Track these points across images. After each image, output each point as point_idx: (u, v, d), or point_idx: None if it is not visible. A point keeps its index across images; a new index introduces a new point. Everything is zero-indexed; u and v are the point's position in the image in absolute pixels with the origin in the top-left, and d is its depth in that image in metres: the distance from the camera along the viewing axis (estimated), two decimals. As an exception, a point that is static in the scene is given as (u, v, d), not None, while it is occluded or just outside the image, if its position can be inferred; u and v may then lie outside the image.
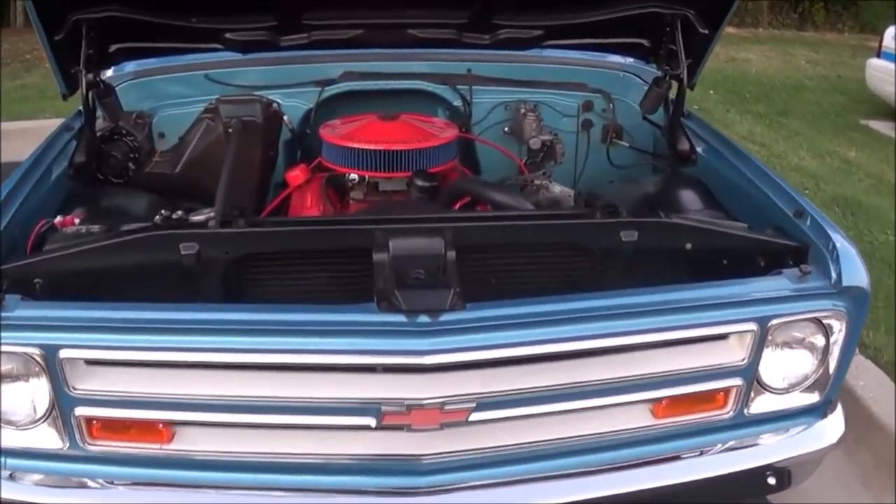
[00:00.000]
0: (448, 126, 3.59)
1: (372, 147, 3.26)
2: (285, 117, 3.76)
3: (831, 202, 7.11)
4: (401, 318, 2.27)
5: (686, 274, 2.67)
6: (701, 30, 3.42)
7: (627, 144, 3.94)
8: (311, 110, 3.78)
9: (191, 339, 2.28)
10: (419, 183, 3.18)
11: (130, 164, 3.59)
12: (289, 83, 3.78)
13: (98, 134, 3.50)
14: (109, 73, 3.72)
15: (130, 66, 3.80)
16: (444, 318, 2.27)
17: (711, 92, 11.07)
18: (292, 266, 2.58)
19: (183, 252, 2.45)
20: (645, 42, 3.71)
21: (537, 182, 3.22)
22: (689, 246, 2.66)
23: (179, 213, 2.64)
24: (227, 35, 3.46)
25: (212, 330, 2.29)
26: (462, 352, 2.28)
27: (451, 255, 2.40)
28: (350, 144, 3.29)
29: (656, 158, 3.89)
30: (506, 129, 3.94)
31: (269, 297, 2.59)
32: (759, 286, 2.57)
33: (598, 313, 2.37)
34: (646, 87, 3.81)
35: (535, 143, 3.72)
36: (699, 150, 3.52)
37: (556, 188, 3.23)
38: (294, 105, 3.79)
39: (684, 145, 3.56)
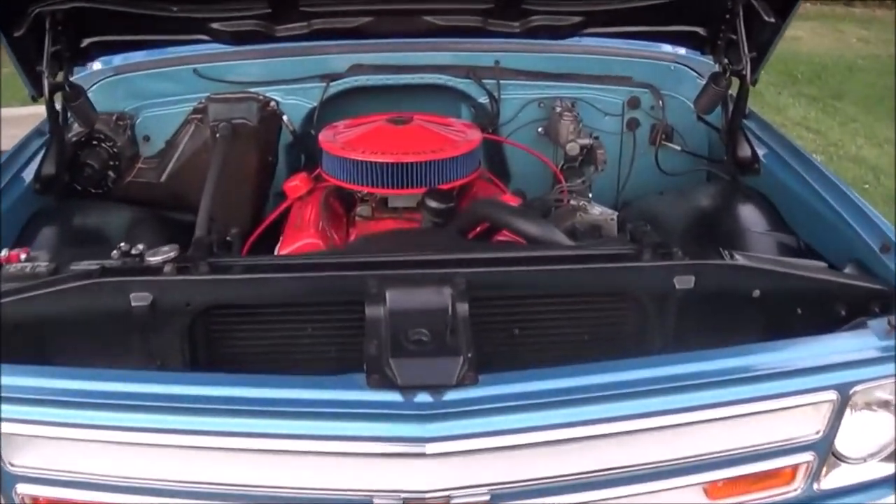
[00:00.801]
0: (471, 129, 3.11)
1: (377, 159, 2.78)
2: (285, 117, 3.32)
3: (893, 199, 6.58)
4: (396, 396, 1.80)
5: (751, 326, 2.22)
6: (767, 18, 2.94)
7: (679, 148, 3.45)
8: (315, 109, 3.32)
9: (144, 418, 1.84)
10: (432, 205, 2.69)
11: (110, 173, 3.21)
12: (289, 78, 3.33)
13: (73, 139, 3.12)
14: (97, 65, 3.34)
15: (118, 60, 3.37)
16: (451, 396, 1.81)
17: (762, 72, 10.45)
18: (269, 318, 2.13)
19: (134, 304, 2.01)
20: (701, 31, 3.21)
21: (573, 203, 2.71)
22: (757, 293, 2.18)
23: (141, 247, 2.19)
24: (214, 25, 3.00)
25: (169, 408, 1.84)
26: (473, 438, 1.81)
27: (463, 309, 1.94)
28: (351, 156, 2.82)
29: (711, 164, 3.42)
30: (539, 129, 3.46)
31: (241, 357, 2.17)
32: (842, 345, 2.09)
33: (642, 388, 1.90)
34: (700, 81, 3.37)
35: (572, 148, 3.23)
36: (760, 155, 3.08)
37: (596, 210, 2.72)
38: (295, 103, 3.34)
39: (745, 151, 3.12)
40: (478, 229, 2.62)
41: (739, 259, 2.19)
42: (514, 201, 2.89)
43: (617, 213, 2.69)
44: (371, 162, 2.78)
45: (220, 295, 2.09)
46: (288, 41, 3.12)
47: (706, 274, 2.15)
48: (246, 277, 2.07)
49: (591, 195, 3.09)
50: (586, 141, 3.26)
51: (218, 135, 3.04)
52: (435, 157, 2.79)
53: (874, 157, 7.71)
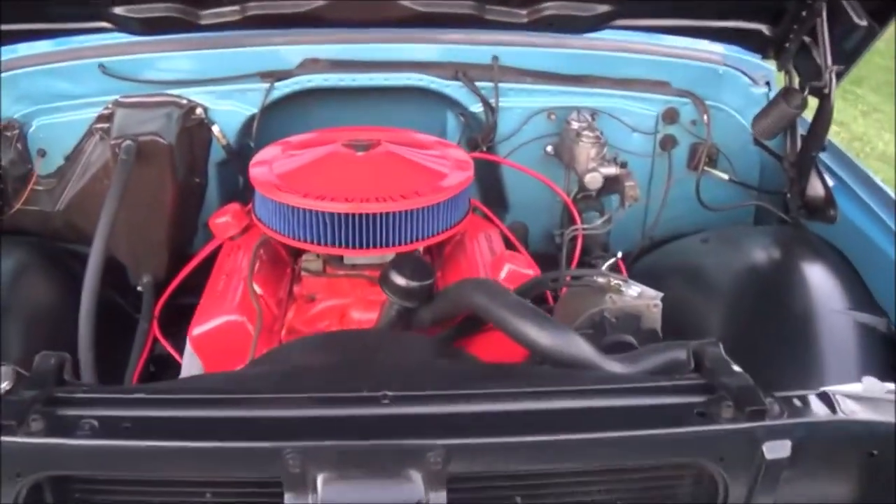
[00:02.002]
0: (459, 155, 2.32)
1: (325, 208, 1.98)
2: (215, 128, 2.53)
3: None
4: None
5: (856, 493, 1.50)
6: (858, 21, 2.22)
7: (727, 177, 2.69)
8: (255, 117, 2.53)
9: None
10: (399, 282, 1.89)
11: None
12: (222, 77, 2.54)
13: None
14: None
15: (8, 53, 2.58)
16: None
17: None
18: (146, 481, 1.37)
19: None
20: (765, 29, 2.43)
21: (601, 280, 1.91)
22: (875, 452, 1.44)
23: None
24: (118, 10, 2.22)
25: None
26: None
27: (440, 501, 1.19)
28: (290, 201, 2.02)
29: (765, 198, 2.70)
30: (548, 147, 2.68)
31: None
32: None
33: None
34: (754, 90, 2.68)
35: (592, 180, 2.47)
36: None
37: (632, 290, 1.90)
38: (230, 109, 2.55)
39: (817, 190, 2.41)
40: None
41: (857, 411, 1.43)
42: (525, 266, 2.10)
43: (661, 296, 1.90)
44: (316, 212, 1.99)
45: (61, 465, 1.32)
46: (216, 30, 2.33)
47: (808, 434, 1.40)
48: (94, 444, 1.29)
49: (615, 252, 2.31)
50: (611, 170, 2.49)
51: (120, 157, 2.25)
52: (408, 205, 1.99)
53: (903, 157, 6.98)
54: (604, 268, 2.03)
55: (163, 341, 2.28)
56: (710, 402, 1.38)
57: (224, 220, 2.29)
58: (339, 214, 1.97)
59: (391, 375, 1.50)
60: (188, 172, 2.50)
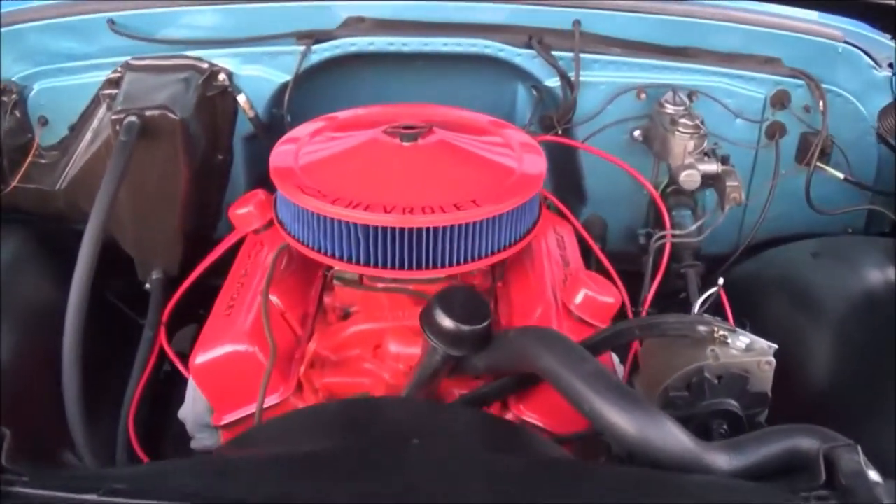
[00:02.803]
0: (523, 141, 1.91)
1: (358, 219, 1.59)
2: (241, 97, 2.16)
3: None
4: None
5: None
6: None
7: (842, 176, 2.27)
8: (289, 85, 2.16)
9: None
10: (445, 324, 1.49)
11: None
12: (250, 37, 2.17)
13: None
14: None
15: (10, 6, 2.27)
16: None
17: None
18: None
19: None
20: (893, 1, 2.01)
21: (701, 328, 1.49)
22: None
23: None
24: None
25: None
26: None
27: None
28: (314, 207, 1.63)
29: (877, 198, 2.33)
30: (636, 132, 2.27)
31: None
32: None
33: None
34: (876, 73, 2.26)
35: (690, 180, 2.08)
36: None
37: (740, 342, 1.49)
38: (259, 75, 2.18)
39: None
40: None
41: None
42: (606, 292, 1.70)
43: (775, 349, 1.49)
44: (348, 223, 1.60)
45: None
46: None
47: None
48: None
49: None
50: (712, 167, 2.09)
51: (119, 137, 1.89)
52: (466, 217, 1.60)
53: None
54: (700, 301, 1.63)
55: (170, 353, 1.93)
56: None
57: (246, 211, 1.93)
58: (377, 228, 1.58)
59: (421, 478, 1.12)
60: (209, 149, 2.14)
